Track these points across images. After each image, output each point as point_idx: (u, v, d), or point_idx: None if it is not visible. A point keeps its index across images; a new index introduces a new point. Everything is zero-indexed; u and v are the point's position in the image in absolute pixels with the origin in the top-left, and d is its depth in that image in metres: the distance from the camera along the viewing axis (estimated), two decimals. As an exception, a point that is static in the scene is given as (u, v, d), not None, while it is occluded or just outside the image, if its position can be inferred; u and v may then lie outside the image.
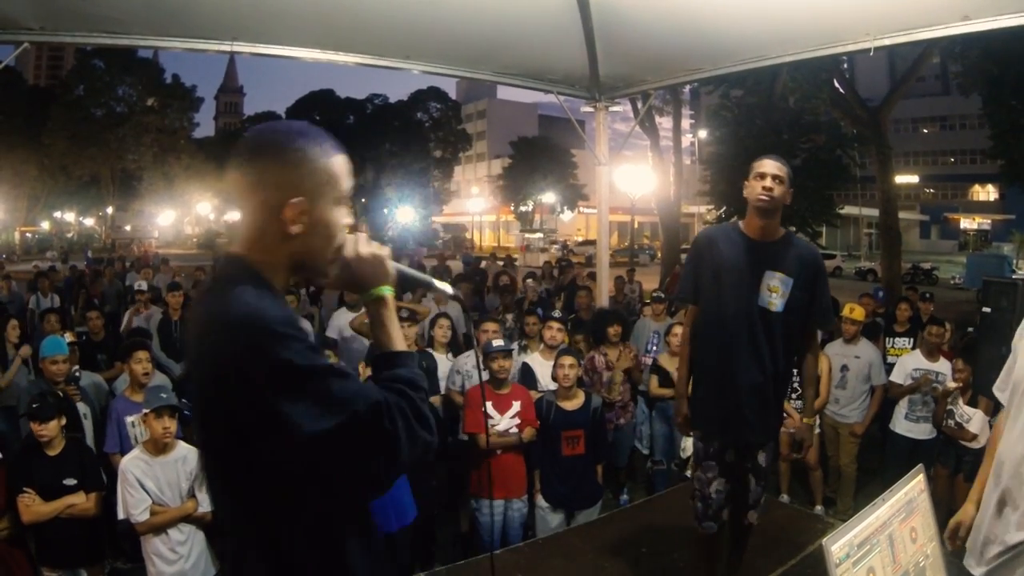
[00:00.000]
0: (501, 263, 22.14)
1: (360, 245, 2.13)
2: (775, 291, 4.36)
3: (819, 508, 8.04)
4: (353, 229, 2.16)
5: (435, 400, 7.21)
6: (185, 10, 7.01)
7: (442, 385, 7.51)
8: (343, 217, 2.09)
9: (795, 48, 7.26)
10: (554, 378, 6.73)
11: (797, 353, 4.68)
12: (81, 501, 5.28)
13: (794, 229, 24.27)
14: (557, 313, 8.36)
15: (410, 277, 2.41)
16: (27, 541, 5.26)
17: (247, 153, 1.99)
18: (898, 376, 8.03)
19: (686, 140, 49.95)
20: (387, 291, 2.17)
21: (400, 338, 2.16)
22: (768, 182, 4.31)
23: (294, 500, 1.86)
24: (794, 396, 7.59)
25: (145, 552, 5.14)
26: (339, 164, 2.06)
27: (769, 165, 4.36)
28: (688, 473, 7.54)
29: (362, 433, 1.79)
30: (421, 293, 9.89)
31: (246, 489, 1.88)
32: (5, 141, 63.98)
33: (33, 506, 5.10)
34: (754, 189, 4.36)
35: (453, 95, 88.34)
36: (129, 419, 6.15)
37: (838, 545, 2.19)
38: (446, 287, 2.53)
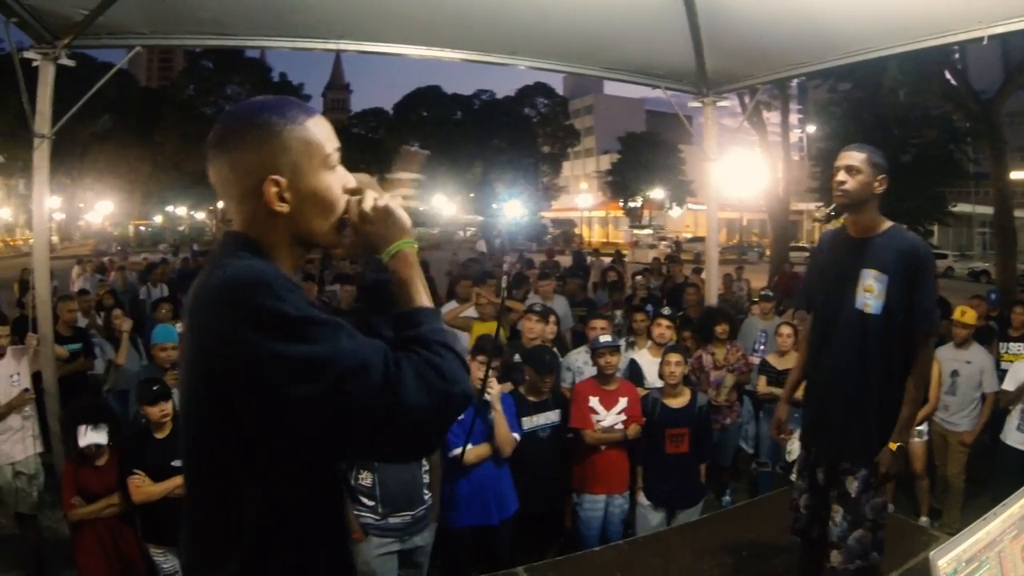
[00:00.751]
0: (609, 259, 22.05)
1: (365, 202, 1.95)
2: (871, 291, 4.01)
3: (924, 519, 7.71)
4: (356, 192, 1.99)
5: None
6: (291, 10, 7.17)
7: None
8: (339, 180, 1.94)
9: (903, 39, 7.04)
10: (661, 375, 6.68)
11: (906, 363, 4.04)
12: None
13: (905, 227, 23.71)
14: (666, 311, 8.26)
15: (427, 217, 2.14)
16: (135, 518, 5.47)
17: (217, 142, 1.87)
18: (1011, 383, 7.46)
19: (794, 135, 49.02)
20: (407, 245, 1.96)
21: (422, 294, 1.93)
22: (840, 175, 4.06)
23: (285, 464, 1.76)
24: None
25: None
26: (315, 128, 1.89)
27: (842, 157, 4.10)
28: (792, 477, 7.44)
29: (368, 389, 1.63)
30: (524, 290, 9.89)
31: (235, 458, 1.75)
32: (120, 140, 66.69)
33: (143, 487, 5.28)
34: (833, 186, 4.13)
35: (560, 90, 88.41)
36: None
37: (946, 560, 2.11)
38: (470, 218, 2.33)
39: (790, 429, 5.03)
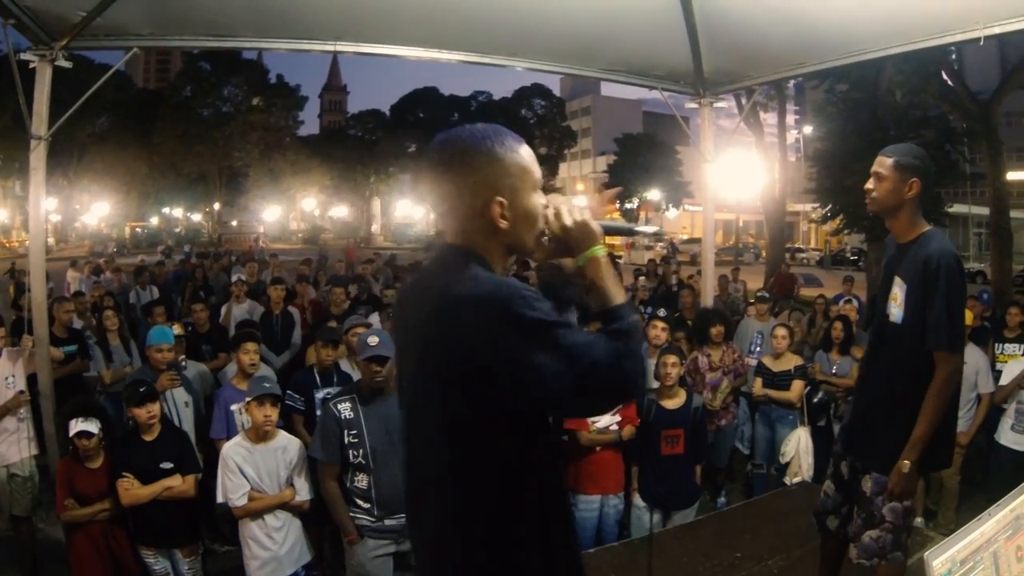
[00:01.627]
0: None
1: (564, 217, 2.25)
2: (895, 299, 3.97)
3: (919, 520, 7.65)
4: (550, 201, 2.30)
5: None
6: (288, 12, 7.18)
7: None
8: (541, 199, 2.24)
9: (901, 39, 7.04)
10: (656, 377, 6.68)
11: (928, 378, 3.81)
12: (178, 484, 5.46)
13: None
14: (662, 312, 8.25)
15: (613, 228, 2.58)
16: (127, 521, 5.48)
17: (441, 164, 2.16)
18: (1006, 383, 7.60)
19: (791, 136, 49.12)
20: (599, 251, 2.26)
21: (616, 290, 2.25)
22: (869, 183, 4.01)
23: (514, 479, 2.10)
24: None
25: (242, 536, 5.31)
26: (526, 155, 2.20)
27: (874, 163, 4.00)
28: (786, 479, 7.44)
29: (604, 374, 1.98)
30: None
31: (468, 474, 2.09)
32: (117, 141, 66.86)
33: (132, 489, 5.29)
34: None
35: (557, 92, 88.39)
36: (235, 407, 6.33)
37: (940, 560, 2.12)
38: (648, 227, 2.77)
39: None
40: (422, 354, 2.11)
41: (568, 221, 2.25)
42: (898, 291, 3.94)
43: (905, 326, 3.88)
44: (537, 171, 2.23)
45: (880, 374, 4.07)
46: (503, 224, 2.14)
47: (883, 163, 3.95)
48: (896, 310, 3.94)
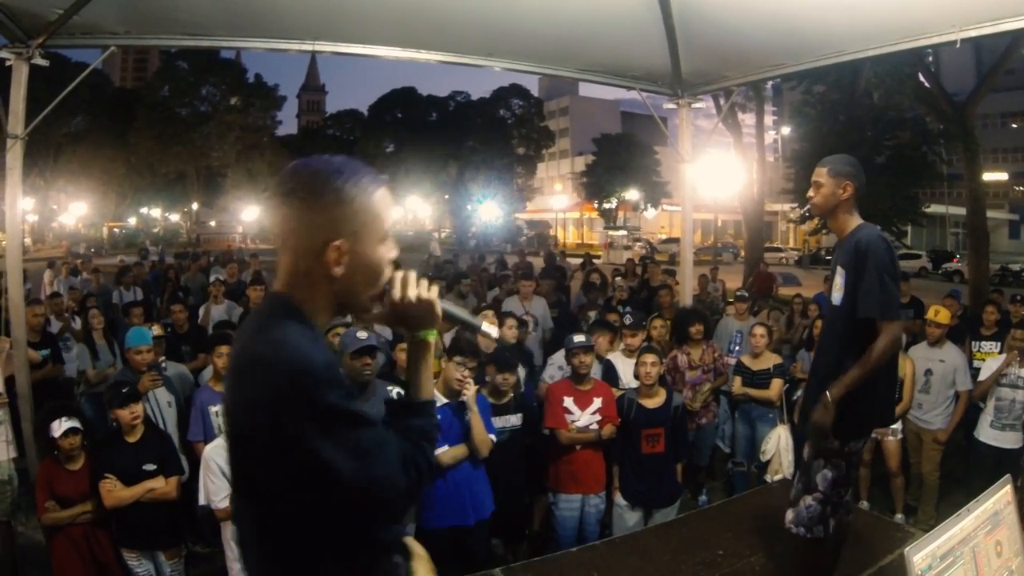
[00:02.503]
0: (579, 261, 22.10)
1: (409, 288, 2.12)
2: (836, 287, 4.38)
3: (899, 516, 7.82)
4: (397, 265, 2.15)
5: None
6: (267, 12, 7.19)
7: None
8: (388, 253, 2.06)
9: (878, 42, 7.14)
10: (636, 376, 6.70)
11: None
12: (161, 485, 5.48)
13: (879, 228, 23.85)
14: (628, 320, 8.20)
15: (457, 318, 2.38)
16: (110, 523, 5.48)
17: (285, 194, 1.96)
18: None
19: (769, 137, 49.27)
20: (432, 335, 2.19)
21: (429, 386, 2.20)
22: (810, 191, 4.45)
23: (316, 528, 1.91)
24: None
25: (224, 538, 5.31)
26: (380, 200, 2.02)
27: (813, 173, 4.45)
28: (767, 477, 7.47)
29: (386, 476, 1.87)
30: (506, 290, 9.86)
31: (270, 517, 1.92)
32: (93, 140, 66.40)
33: (114, 491, 5.30)
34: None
35: (535, 92, 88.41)
36: (212, 408, 6.30)
37: (921, 556, 2.14)
38: (491, 330, 2.51)
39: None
40: (226, 404, 2.01)
41: (413, 294, 2.11)
42: (839, 279, 4.34)
43: (844, 306, 4.27)
44: (388, 221, 2.05)
45: (827, 354, 4.43)
46: (336, 271, 1.94)
47: (820, 172, 4.39)
48: (837, 294, 4.35)
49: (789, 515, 4.41)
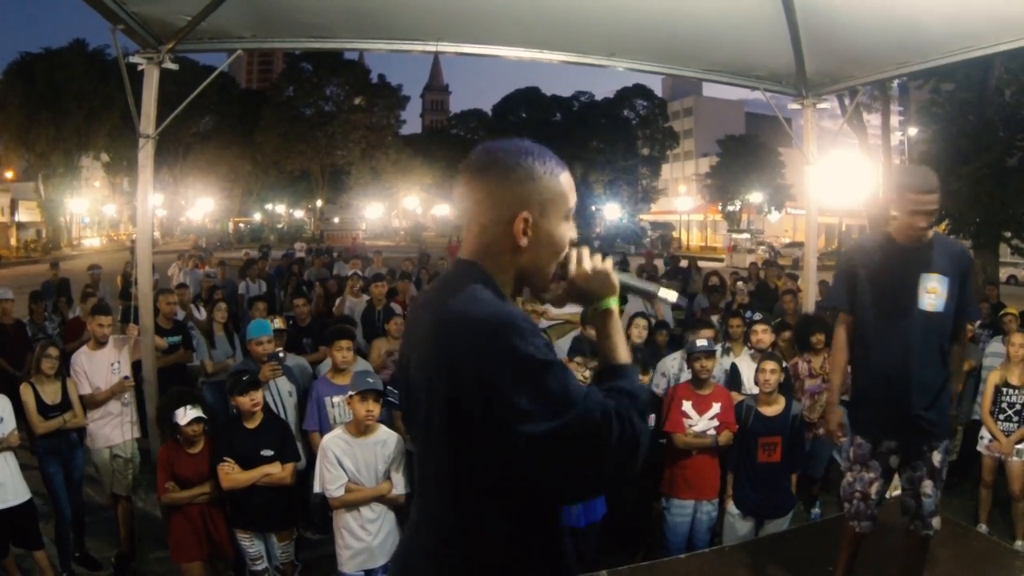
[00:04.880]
0: (685, 263, 21.94)
1: (585, 260, 2.16)
2: (934, 292, 4.47)
3: (1020, 543, 7.28)
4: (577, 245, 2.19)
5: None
6: (389, 13, 7.27)
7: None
8: (569, 232, 2.13)
9: (1011, 35, 6.71)
10: (756, 382, 6.58)
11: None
12: (277, 471, 5.61)
13: (1009, 234, 23.03)
14: (758, 316, 8.08)
15: (633, 287, 2.41)
16: (225, 505, 5.67)
17: (478, 169, 2.07)
18: None
19: (895, 138, 47.92)
20: (613, 303, 2.19)
21: (623, 349, 2.16)
22: (923, 223, 4.44)
23: (504, 495, 1.93)
24: (1001, 417, 7.24)
25: (336, 526, 5.42)
26: (565, 181, 2.10)
27: (923, 201, 4.42)
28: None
29: (588, 432, 1.82)
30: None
31: (459, 480, 1.96)
32: (221, 139, 69.05)
33: (232, 474, 5.47)
34: (904, 220, 4.49)
35: (659, 92, 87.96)
36: (328, 400, 6.44)
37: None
38: (670, 294, 2.49)
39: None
40: (422, 367, 2.00)
41: (588, 266, 2.16)
42: (936, 285, 4.48)
43: (947, 313, 4.49)
44: (572, 201, 2.14)
45: (929, 359, 4.54)
46: (523, 241, 2.03)
47: (934, 200, 4.44)
48: (936, 300, 4.48)
49: (937, 522, 4.66)
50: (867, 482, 4.76)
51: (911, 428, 4.58)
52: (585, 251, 2.18)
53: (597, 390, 1.94)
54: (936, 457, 4.61)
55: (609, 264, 2.20)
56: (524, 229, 2.02)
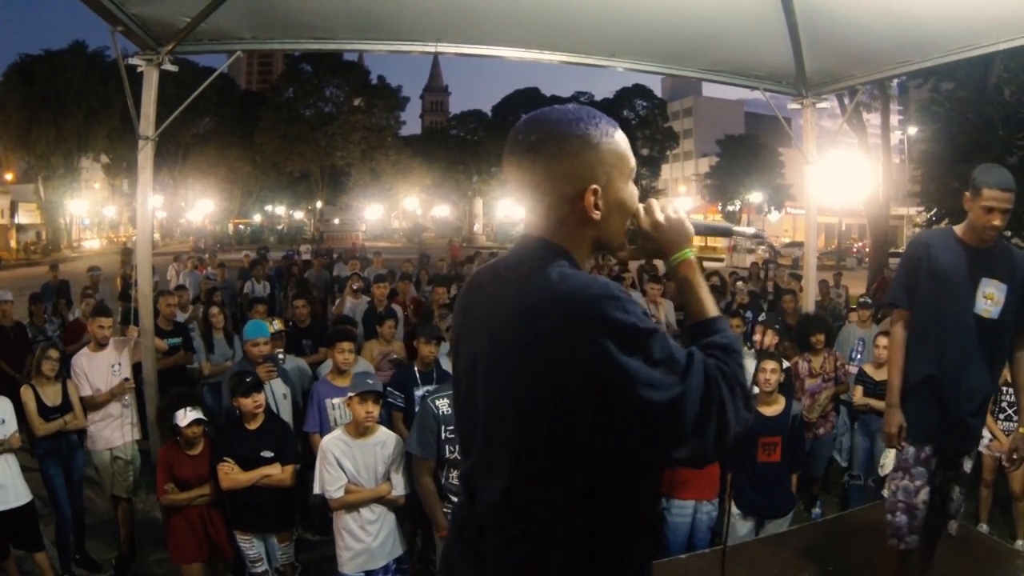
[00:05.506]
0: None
1: (656, 212, 2.08)
2: (991, 298, 4.30)
3: (1020, 543, 7.27)
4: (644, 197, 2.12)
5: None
6: (389, 14, 7.28)
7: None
8: (634, 191, 2.06)
9: (1010, 34, 6.71)
10: (755, 383, 6.57)
11: (1008, 360, 4.56)
12: (277, 472, 5.62)
13: (1010, 234, 23.00)
14: (763, 317, 8.07)
15: (708, 228, 2.36)
16: (224, 506, 5.67)
17: (528, 147, 1.96)
18: None
19: (895, 137, 47.90)
20: (690, 253, 2.10)
21: (711, 301, 2.07)
22: (997, 221, 4.26)
23: (610, 473, 1.88)
24: (1001, 416, 7.20)
25: (336, 527, 5.41)
26: (622, 140, 2.02)
27: (1002, 199, 4.23)
28: (886, 491, 7.24)
29: (705, 395, 1.76)
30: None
31: (560, 463, 1.86)
32: (221, 141, 69.36)
33: (232, 474, 5.48)
34: (979, 218, 4.30)
35: (658, 92, 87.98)
36: (329, 401, 6.45)
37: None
38: (746, 229, 2.48)
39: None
40: (496, 350, 1.91)
41: (660, 217, 2.06)
42: (994, 291, 4.33)
43: (1001, 321, 4.33)
44: (632, 158, 2.04)
45: (979, 364, 4.39)
46: (596, 215, 1.94)
47: (1007, 197, 4.24)
48: (994, 308, 4.32)
49: (954, 526, 4.68)
50: (912, 491, 4.51)
51: (954, 432, 4.48)
52: (655, 203, 2.11)
53: (698, 351, 1.86)
54: (967, 463, 4.61)
55: (682, 211, 2.12)
56: (595, 202, 1.93)
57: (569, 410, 1.77)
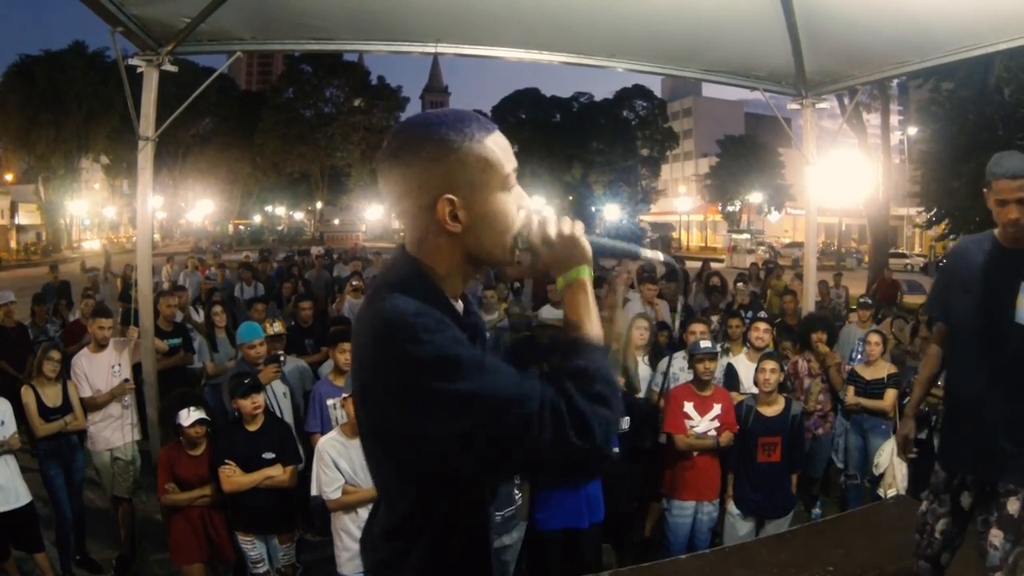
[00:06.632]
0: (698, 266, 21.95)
1: (549, 227, 1.91)
2: None
3: None
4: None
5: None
6: (389, 15, 7.26)
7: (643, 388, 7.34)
8: (515, 201, 1.90)
9: (1010, 34, 6.65)
10: (755, 382, 6.57)
11: None
12: (278, 473, 5.64)
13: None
14: (763, 314, 8.07)
15: (609, 249, 2.09)
16: (225, 507, 5.68)
17: (389, 155, 1.85)
18: None
19: (895, 138, 47.88)
20: (584, 273, 1.93)
21: (593, 325, 1.90)
22: (1014, 213, 3.65)
23: (437, 487, 1.88)
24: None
25: (334, 527, 5.40)
26: (493, 146, 1.85)
27: (1009, 187, 3.65)
28: (880, 491, 7.24)
29: (503, 433, 1.64)
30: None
31: (394, 475, 1.95)
32: (220, 141, 69.46)
33: (233, 476, 5.49)
34: (997, 214, 3.75)
35: (658, 93, 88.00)
36: (330, 401, 6.44)
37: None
38: (655, 254, 2.22)
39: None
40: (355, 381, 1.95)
41: (552, 232, 1.91)
42: None
43: None
44: (508, 166, 1.86)
45: (1019, 386, 3.73)
46: (453, 227, 1.81)
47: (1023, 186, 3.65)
48: None
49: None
50: (934, 517, 4.14)
51: (990, 463, 3.83)
52: (549, 217, 1.94)
53: (531, 376, 1.74)
54: (1013, 505, 3.70)
55: (579, 228, 1.94)
56: (451, 213, 1.80)
57: (390, 433, 1.81)
